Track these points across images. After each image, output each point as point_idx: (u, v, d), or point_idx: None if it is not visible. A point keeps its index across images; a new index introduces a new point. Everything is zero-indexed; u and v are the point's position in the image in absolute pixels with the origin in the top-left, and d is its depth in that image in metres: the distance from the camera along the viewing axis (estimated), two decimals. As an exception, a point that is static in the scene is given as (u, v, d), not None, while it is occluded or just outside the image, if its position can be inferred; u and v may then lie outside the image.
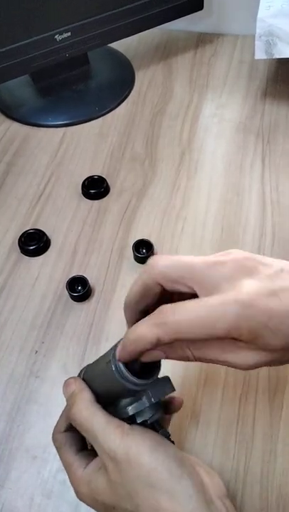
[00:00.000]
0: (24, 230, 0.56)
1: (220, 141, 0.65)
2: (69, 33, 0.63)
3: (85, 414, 0.32)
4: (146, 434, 0.31)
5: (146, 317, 0.29)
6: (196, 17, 0.75)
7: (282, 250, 0.54)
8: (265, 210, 0.57)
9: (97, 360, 0.34)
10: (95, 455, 0.33)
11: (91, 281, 0.51)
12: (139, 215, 0.58)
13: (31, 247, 0.54)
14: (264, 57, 0.63)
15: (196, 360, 0.30)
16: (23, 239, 0.55)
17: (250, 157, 0.63)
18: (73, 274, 0.52)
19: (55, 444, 0.35)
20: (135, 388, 0.31)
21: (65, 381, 0.35)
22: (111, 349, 0.32)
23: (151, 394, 0.31)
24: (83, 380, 0.34)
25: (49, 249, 0.55)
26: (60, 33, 0.62)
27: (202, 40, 0.79)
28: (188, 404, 0.44)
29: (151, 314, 0.29)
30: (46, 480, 0.41)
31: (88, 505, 0.32)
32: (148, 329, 0.28)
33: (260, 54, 0.63)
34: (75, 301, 0.51)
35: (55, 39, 0.62)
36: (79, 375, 0.35)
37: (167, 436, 0.33)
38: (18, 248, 0.55)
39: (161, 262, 0.30)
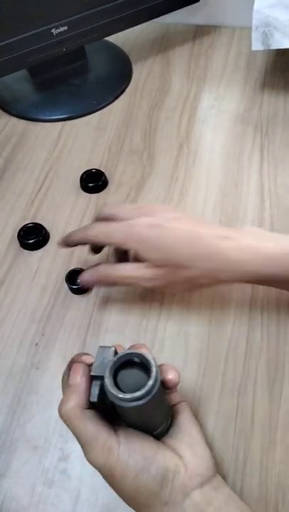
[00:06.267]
0: (23, 224, 0.56)
1: (218, 133, 0.65)
2: (66, 27, 0.63)
3: (74, 419, 0.33)
4: (134, 455, 0.32)
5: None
6: (192, 9, 0.75)
7: (281, 241, 0.54)
8: (263, 201, 0.57)
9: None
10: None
11: (90, 273, 0.52)
12: (137, 208, 0.58)
13: (30, 241, 0.54)
14: (261, 48, 0.63)
15: (115, 281, 0.44)
16: (22, 233, 0.55)
17: (249, 148, 0.63)
18: (72, 267, 0.52)
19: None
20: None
21: (75, 365, 0.35)
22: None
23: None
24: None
25: (48, 243, 0.55)
26: (57, 27, 0.62)
27: (199, 32, 0.79)
28: (187, 394, 0.44)
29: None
30: (47, 469, 0.41)
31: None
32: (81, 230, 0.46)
33: (257, 45, 0.63)
34: (74, 293, 0.51)
35: (52, 33, 0.62)
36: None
37: None
38: (17, 242, 0.55)
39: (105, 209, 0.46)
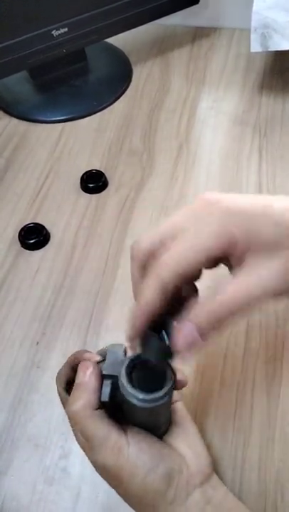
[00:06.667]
0: (24, 224, 0.56)
1: (217, 134, 0.65)
2: (66, 29, 0.63)
3: (85, 419, 0.32)
4: (142, 455, 0.32)
5: None
6: (192, 11, 0.75)
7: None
8: (262, 201, 0.58)
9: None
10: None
11: (90, 274, 0.52)
12: (137, 208, 0.58)
13: (31, 241, 0.55)
14: (259, 50, 0.63)
15: (228, 314, 0.26)
16: (23, 233, 0.56)
17: (248, 149, 0.63)
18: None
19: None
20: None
21: (83, 363, 0.34)
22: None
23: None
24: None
25: (49, 243, 0.56)
26: (57, 29, 0.62)
27: (199, 34, 0.79)
28: (186, 392, 0.44)
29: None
30: (48, 467, 0.42)
31: None
32: (148, 281, 0.27)
33: (255, 47, 0.63)
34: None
35: (52, 35, 0.63)
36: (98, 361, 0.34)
37: None
38: (18, 242, 0.56)
39: (141, 241, 0.30)
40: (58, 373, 0.37)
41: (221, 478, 0.40)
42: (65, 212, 0.58)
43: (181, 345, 0.27)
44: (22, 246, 0.55)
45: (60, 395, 0.36)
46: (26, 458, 0.42)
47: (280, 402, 0.44)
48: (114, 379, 0.32)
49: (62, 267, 0.53)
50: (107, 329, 0.49)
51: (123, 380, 0.31)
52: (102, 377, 0.33)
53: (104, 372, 0.32)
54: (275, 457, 0.41)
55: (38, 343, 0.48)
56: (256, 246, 0.27)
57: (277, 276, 0.26)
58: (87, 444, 0.32)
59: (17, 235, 0.56)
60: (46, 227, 0.56)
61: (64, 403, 0.35)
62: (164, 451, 0.33)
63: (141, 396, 0.30)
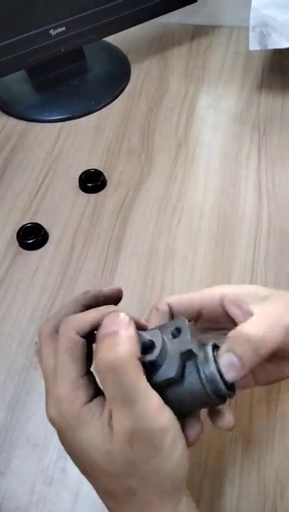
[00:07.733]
0: (22, 224, 0.56)
1: (216, 133, 0.65)
2: (64, 28, 0.63)
3: (131, 369, 0.26)
4: (177, 423, 0.28)
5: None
6: (190, 9, 0.75)
7: (278, 240, 0.54)
8: (261, 200, 0.58)
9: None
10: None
11: (89, 273, 0.52)
12: (136, 208, 0.58)
13: (30, 241, 0.55)
14: (258, 48, 0.63)
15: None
16: (21, 233, 0.55)
17: (247, 148, 0.63)
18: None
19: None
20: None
21: (115, 312, 0.28)
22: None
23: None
24: None
25: (47, 243, 0.56)
26: (55, 28, 0.62)
27: (197, 32, 0.79)
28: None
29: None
30: (47, 467, 0.42)
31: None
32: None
33: (254, 45, 0.63)
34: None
35: (50, 34, 0.62)
36: None
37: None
38: (16, 242, 0.56)
39: None
40: (48, 319, 0.31)
41: (220, 478, 0.40)
42: (63, 212, 0.58)
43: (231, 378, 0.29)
44: (20, 246, 0.55)
45: (43, 343, 0.29)
46: (25, 458, 0.42)
47: (280, 402, 0.43)
48: (189, 357, 0.27)
49: (60, 266, 0.53)
50: (106, 329, 0.49)
51: (211, 366, 0.27)
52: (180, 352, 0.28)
53: (188, 347, 0.27)
54: (274, 456, 0.41)
55: (36, 343, 0.48)
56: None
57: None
58: (125, 400, 0.26)
59: (15, 235, 0.56)
60: (44, 227, 0.56)
61: (44, 355, 0.29)
62: None
63: (223, 388, 0.27)
